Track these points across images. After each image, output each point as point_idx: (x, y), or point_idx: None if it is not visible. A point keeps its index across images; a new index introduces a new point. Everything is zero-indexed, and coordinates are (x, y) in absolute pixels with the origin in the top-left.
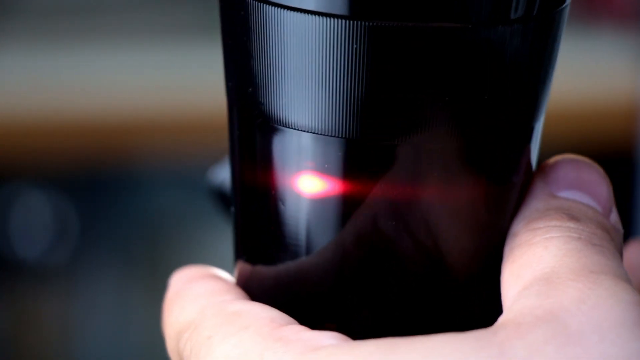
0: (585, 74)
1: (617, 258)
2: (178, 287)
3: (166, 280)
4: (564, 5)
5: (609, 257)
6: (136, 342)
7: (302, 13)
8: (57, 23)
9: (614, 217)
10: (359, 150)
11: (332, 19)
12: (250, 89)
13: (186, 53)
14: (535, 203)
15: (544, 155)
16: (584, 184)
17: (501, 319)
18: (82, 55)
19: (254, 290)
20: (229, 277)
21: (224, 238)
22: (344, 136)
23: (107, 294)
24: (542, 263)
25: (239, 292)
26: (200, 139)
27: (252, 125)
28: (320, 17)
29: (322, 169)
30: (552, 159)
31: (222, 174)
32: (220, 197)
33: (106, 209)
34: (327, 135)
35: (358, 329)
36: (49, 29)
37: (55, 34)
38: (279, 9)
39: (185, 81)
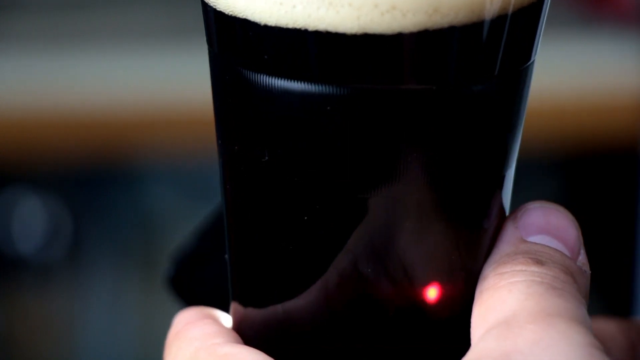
0: (590, 71)
1: (577, 300)
2: (178, 329)
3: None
4: (529, 63)
5: (569, 300)
6: (132, 337)
7: (278, 78)
8: (55, 21)
9: (582, 259)
10: (338, 203)
11: (305, 83)
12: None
13: (183, 51)
14: (505, 247)
15: (550, 154)
16: (552, 229)
17: (464, 358)
18: (79, 53)
19: (245, 331)
20: (226, 318)
21: None
22: (320, 188)
23: (105, 290)
24: (505, 306)
25: (231, 335)
26: (197, 135)
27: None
28: (295, 82)
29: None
30: (523, 206)
31: (174, 267)
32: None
33: (103, 207)
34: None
35: None
36: (46, 27)
37: (53, 32)
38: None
39: (182, 78)
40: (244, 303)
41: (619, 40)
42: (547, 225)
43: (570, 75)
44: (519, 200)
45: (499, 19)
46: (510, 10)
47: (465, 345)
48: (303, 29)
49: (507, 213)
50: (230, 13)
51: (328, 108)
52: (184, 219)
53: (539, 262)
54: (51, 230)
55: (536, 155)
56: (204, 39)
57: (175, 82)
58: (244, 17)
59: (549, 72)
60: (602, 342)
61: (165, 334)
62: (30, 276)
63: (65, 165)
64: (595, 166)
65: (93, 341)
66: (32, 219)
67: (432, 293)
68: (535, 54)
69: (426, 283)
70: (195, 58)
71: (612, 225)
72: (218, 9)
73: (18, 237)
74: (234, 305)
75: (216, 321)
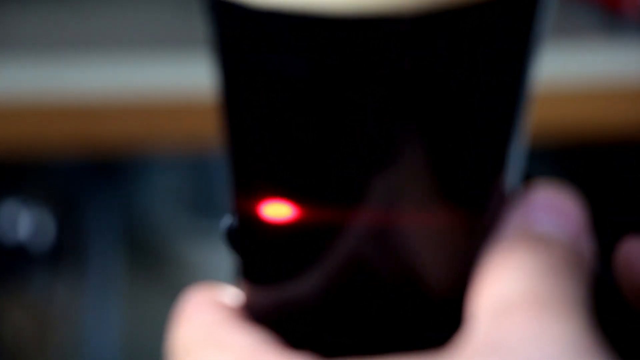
0: (603, 59)
1: (580, 283)
2: (182, 309)
3: (170, 269)
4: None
5: (571, 283)
6: (126, 333)
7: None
8: (55, 17)
9: (588, 240)
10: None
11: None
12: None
13: (184, 56)
14: (507, 226)
15: (562, 138)
16: (556, 210)
17: (455, 341)
18: (79, 53)
19: (254, 309)
20: (232, 294)
21: (212, 227)
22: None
23: (113, 283)
24: (501, 289)
25: (233, 315)
26: (194, 130)
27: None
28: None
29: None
30: (528, 186)
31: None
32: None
33: (111, 198)
34: None
35: (334, 350)
36: (46, 22)
37: (53, 28)
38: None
39: (183, 78)
40: (252, 280)
41: (634, 31)
42: (553, 207)
43: (586, 65)
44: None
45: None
46: None
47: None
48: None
49: (515, 192)
50: None
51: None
52: (183, 218)
53: (541, 242)
54: (58, 224)
55: (539, 146)
56: (205, 37)
57: (176, 83)
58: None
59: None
60: None
61: (157, 332)
62: (41, 270)
63: (65, 162)
64: (609, 156)
65: (93, 341)
66: (39, 212)
67: (430, 273)
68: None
69: (424, 263)
70: (195, 59)
71: (620, 214)
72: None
73: (16, 232)
74: (241, 282)
75: (224, 302)
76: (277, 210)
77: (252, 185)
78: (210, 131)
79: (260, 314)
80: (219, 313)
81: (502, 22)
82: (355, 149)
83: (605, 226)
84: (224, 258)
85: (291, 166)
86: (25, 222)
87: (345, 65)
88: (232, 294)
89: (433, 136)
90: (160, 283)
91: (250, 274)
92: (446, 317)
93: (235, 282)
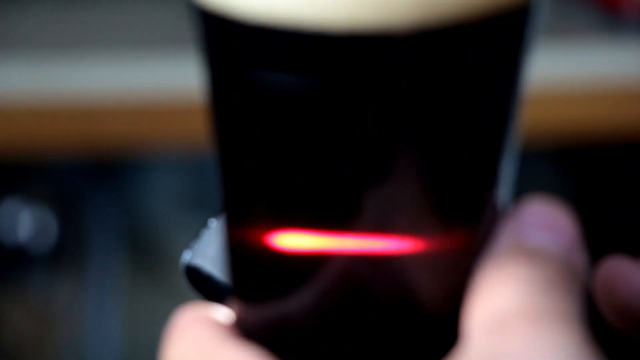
0: (603, 60)
1: (573, 297)
2: (176, 326)
3: (170, 269)
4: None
5: (564, 298)
6: (126, 335)
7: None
8: (56, 17)
9: (581, 256)
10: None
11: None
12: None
13: (181, 52)
14: (502, 243)
15: (560, 141)
16: (551, 225)
17: (451, 357)
18: (80, 53)
19: (245, 327)
20: (225, 313)
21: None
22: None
23: (114, 283)
24: (496, 304)
25: (227, 333)
26: (193, 132)
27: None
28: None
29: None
30: (522, 202)
31: (191, 254)
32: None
33: (112, 198)
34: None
35: None
36: (47, 23)
37: (54, 28)
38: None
39: (182, 79)
40: (243, 299)
41: (633, 30)
42: (546, 222)
43: (584, 65)
44: (521, 192)
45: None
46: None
47: (456, 338)
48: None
49: (506, 208)
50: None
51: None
52: (183, 218)
53: (535, 257)
54: (60, 224)
55: (541, 146)
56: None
57: (176, 82)
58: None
59: (566, 66)
60: None
61: (158, 332)
62: (41, 270)
63: (65, 162)
64: (607, 158)
65: (93, 340)
66: (40, 213)
67: (424, 291)
68: None
69: (418, 280)
70: (194, 59)
71: (618, 218)
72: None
73: (16, 232)
74: (233, 301)
75: (216, 319)
76: (270, 235)
77: (244, 207)
78: (205, 137)
79: (252, 332)
80: (212, 329)
81: (492, 38)
82: (346, 167)
83: (600, 238)
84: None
85: (279, 187)
86: (26, 222)
87: (337, 82)
88: (224, 312)
89: (426, 152)
90: (160, 283)
91: (242, 294)
92: (442, 334)
93: (227, 300)
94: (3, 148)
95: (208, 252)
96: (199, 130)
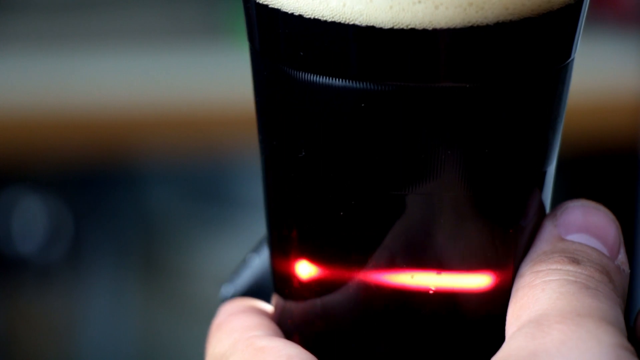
0: (590, 71)
1: (611, 300)
2: (220, 320)
3: (162, 275)
4: (568, 60)
5: (602, 300)
6: (132, 338)
7: (312, 74)
8: (56, 21)
9: (621, 258)
10: (373, 199)
11: (338, 80)
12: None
13: (184, 52)
14: (542, 246)
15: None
16: (591, 227)
17: (495, 357)
18: (80, 53)
19: (285, 323)
20: (269, 309)
21: (220, 235)
22: (355, 185)
23: (105, 290)
24: (537, 305)
25: (271, 327)
26: (198, 136)
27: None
28: (329, 79)
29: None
30: (562, 204)
31: (232, 289)
32: None
33: (104, 207)
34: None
35: None
36: (47, 27)
37: (54, 32)
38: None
39: (183, 79)
40: (284, 296)
41: (618, 41)
42: (586, 224)
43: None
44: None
45: (538, 16)
46: (550, 6)
47: (500, 342)
48: (337, 21)
49: (547, 211)
50: (263, 2)
51: (362, 105)
52: (184, 219)
53: (575, 261)
54: (52, 231)
55: None
56: (206, 39)
57: (176, 83)
58: (278, 7)
59: None
60: None
61: (165, 334)
62: (30, 276)
63: (65, 165)
64: (595, 167)
65: (93, 341)
66: (32, 219)
67: (468, 290)
68: (575, 51)
69: (462, 280)
70: (196, 59)
71: None
72: (256, 1)
73: (18, 237)
74: (275, 298)
75: (258, 313)
76: (313, 270)
77: (290, 245)
78: (220, 139)
79: (294, 329)
80: (253, 318)
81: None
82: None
83: None
84: (233, 265)
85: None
86: (25, 227)
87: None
88: (267, 309)
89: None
90: (165, 288)
91: (285, 287)
92: (484, 333)
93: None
94: (2, 153)
95: (248, 286)
96: (197, 140)
